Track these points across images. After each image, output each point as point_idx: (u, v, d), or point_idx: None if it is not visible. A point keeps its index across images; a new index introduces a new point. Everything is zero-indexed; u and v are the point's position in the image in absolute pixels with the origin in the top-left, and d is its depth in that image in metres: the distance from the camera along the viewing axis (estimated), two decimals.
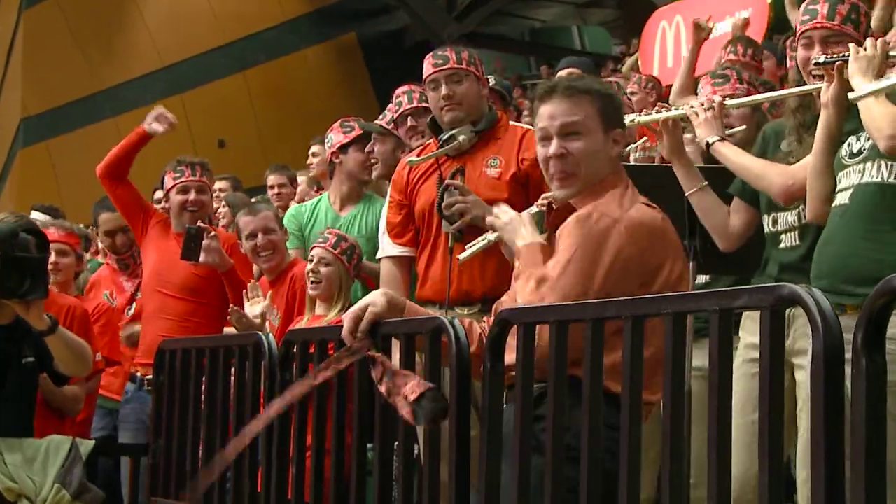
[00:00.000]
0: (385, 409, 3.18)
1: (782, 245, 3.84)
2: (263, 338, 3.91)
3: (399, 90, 5.47)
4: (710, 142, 3.87)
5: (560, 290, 3.01)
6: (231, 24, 20.28)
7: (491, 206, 4.24)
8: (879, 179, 3.32)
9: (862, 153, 3.39)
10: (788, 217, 3.82)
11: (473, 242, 4.16)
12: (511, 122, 4.88)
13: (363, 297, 5.22)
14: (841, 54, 3.46)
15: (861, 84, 3.30)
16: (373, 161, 5.58)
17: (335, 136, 5.79)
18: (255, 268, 5.75)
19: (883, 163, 3.31)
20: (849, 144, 3.44)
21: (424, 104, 5.08)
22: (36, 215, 7.34)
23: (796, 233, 3.81)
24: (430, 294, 4.63)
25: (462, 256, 4.14)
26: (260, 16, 20.59)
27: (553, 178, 3.22)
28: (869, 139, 3.36)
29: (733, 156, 3.83)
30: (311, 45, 21.08)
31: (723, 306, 2.37)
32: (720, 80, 4.55)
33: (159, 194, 6.49)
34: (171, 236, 5.72)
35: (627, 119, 4.09)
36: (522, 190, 4.47)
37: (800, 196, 3.68)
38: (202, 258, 5.38)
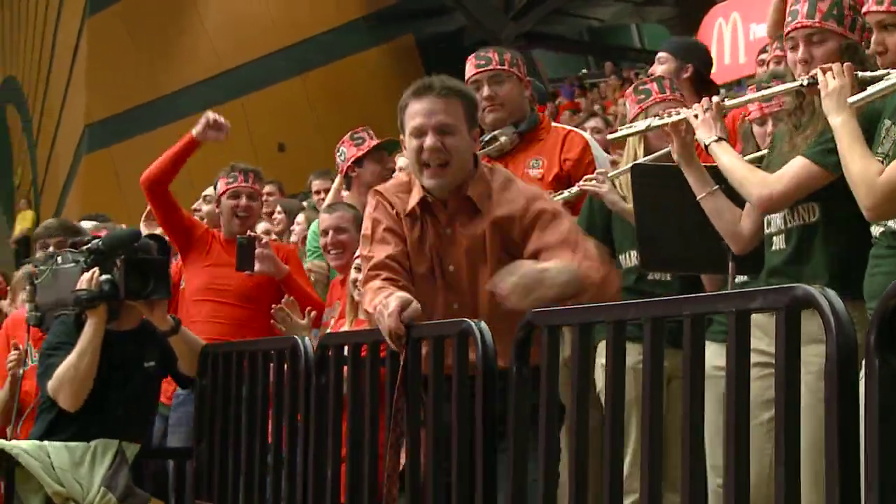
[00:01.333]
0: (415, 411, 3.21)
1: (773, 248, 3.80)
2: (300, 341, 3.94)
3: None
4: (707, 143, 3.84)
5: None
6: (289, 27, 20.40)
7: None
8: None
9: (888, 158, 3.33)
10: (777, 220, 3.79)
11: None
12: (553, 124, 4.88)
13: None
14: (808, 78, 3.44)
15: (835, 123, 3.27)
16: (387, 174, 5.63)
17: (348, 150, 5.81)
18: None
19: None
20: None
21: None
22: (85, 224, 7.43)
23: (783, 236, 3.77)
24: None
25: None
26: (317, 19, 20.69)
27: (426, 169, 3.50)
28: (892, 139, 3.30)
29: (725, 158, 3.80)
30: (368, 48, 21.14)
31: (739, 308, 2.36)
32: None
33: (204, 199, 6.55)
34: (220, 244, 5.74)
35: (643, 124, 4.07)
36: None
37: (775, 208, 3.65)
38: (257, 267, 5.42)
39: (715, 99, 3.97)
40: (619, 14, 20.62)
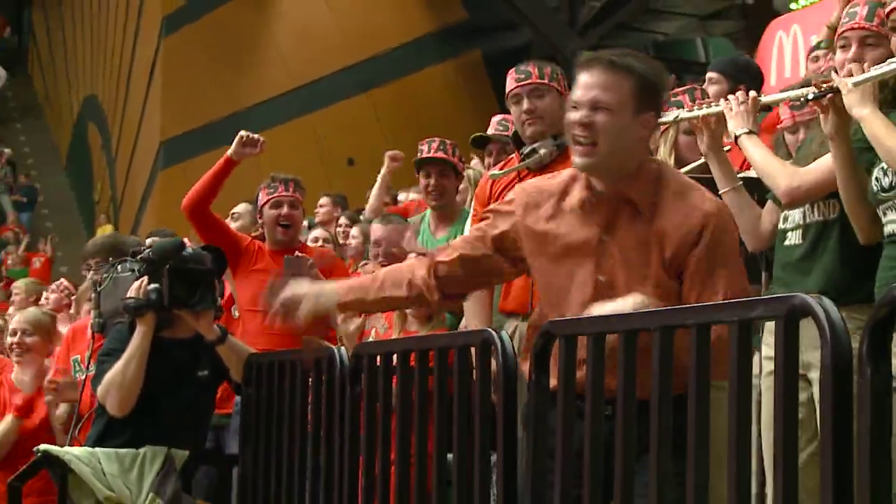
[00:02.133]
0: (462, 421, 3.23)
1: (787, 242, 3.78)
2: (336, 352, 3.98)
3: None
4: (738, 134, 3.83)
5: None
6: (358, 44, 20.50)
7: None
8: None
9: (894, 188, 3.31)
10: (796, 215, 3.76)
11: None
12: None
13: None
14: (829, 86, 3.40)
15: (861, 114, 3.25)
16: (431, 189, 5.70)
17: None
18: None
19: None
20: (877, 180, 3.36)
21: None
22: (153, 240, 7.55)
23: (800, 231, 3.75)
24: (512, 306, 4.69)
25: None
26: (386, 35, 20.77)
27: (575, 146, 3.18)
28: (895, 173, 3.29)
29: (753, 150, 3.79)
30: (435, 63, 21.18)
31: (741, 317, 2.38)
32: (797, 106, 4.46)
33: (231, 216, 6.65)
34: (266, 254, 5.81)
35: (671, 115, 4.08)
36: None
37: (802, 199, 3.63)
38: None
39: (752, 93, 3.97)
40: (684, 28, 20.48)
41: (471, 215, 4.90)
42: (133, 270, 4.70)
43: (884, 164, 3.33)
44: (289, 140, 19.29)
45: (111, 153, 23.97)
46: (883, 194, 3.32)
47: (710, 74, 5.65)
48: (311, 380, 4.16)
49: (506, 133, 5.80)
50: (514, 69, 4.70)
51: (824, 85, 3.40)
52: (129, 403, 4.50)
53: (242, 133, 5.76)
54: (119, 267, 4.82)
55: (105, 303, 4.79)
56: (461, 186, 6.09)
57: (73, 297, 7.35)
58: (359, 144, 19.92)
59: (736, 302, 2.45)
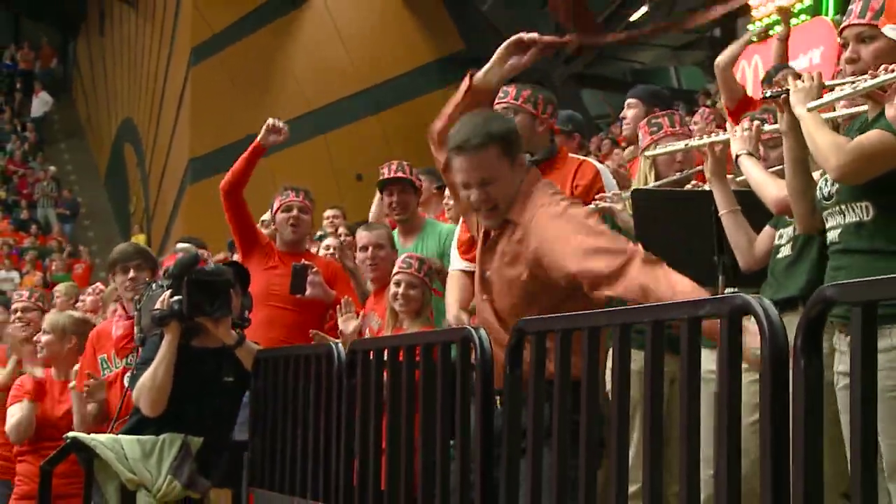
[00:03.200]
0: (464, 410, 3.21)
1: (780, 255, 3.78)
2: (334, 347, 3.97)
3: None
4: (739, 153, 3.83)
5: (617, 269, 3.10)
6: (367, 72, 20.54)
7: None
8: (857, 220, 3.20)
9: (832, 196, 3.27)
10: (788, 231, 3.77)
11: None
12: (570, 155, 4.86)
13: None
14: (783, 88, 3.37)
15: (801, 113, 3.22)
16: (393, 206, 5.74)
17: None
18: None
19: (855, 206, 3.18)
20: (820, 189, 3.33)
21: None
22: (181, 245, 7.55)
23: (790, 244, 3.76)
24: None
25: None
26: (392, 64, 20.82)
27: (481, 213, 3.47)
28: (833, 183, 3.25)
29: (749, 167, 3.79)
30: (437, 89, 21.19)
31: (690, 314, 2.36)
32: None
33: (262, 223, 6.63)
34: (275, 256, 5.81)
35: (680, 144, 4.08)
36: None
37: (788, 210, 3.62)
38: (308, 292, 5.51)
39: (756, 122, 3.98)
40: (659, 58, 20.51)
41: (461, 222, 4.88)
42: (162, 286, 4.70)
43: (827, 175, 3.31)
44: (304, 158, 19.31)
45: (145, 170, 23.99)
46: (824, 202, 3.30)
47: (629, 100, 5.76)
48: (312, 373, 4.14)
49: None
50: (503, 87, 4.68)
51: (780, 87, 3.40)
52: (161, 404, 4.49)
53: (270, 120, 5.80)
54: (153, 285, 4.82)
55: (144, 318, 4.79)
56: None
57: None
58: (367, 162, 19.92)
59: (687, 302, 2.43)
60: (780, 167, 3.98)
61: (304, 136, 20.17)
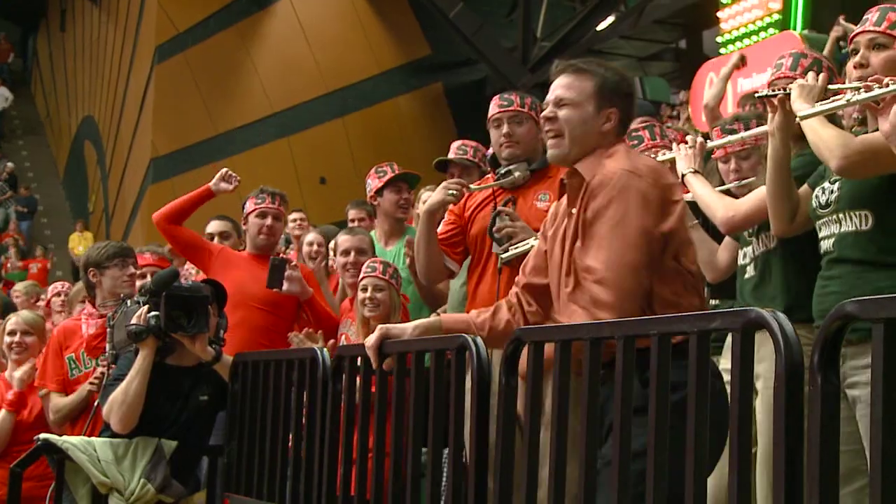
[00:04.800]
0: (437, 418, 3.17)
1: (746, 276, 3.79)
2: (318, 352, 3.91)
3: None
4: (684, 173, 3.85)
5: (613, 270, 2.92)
6: (332, 75, 20.47)
7: (537, 234, 4.26)
8: (854, 229, 3.21)
9: (830, 205, 3.28)
10: (749, 251, 3.77)
11: (516, 245, 4.17)
12: None
13: (425, 314, 5.27)
14: (783, 88, 3.37)
15: (802, 108, 3.21)
16: (403, 202, 5.65)
17: (372, 182, 5.85)
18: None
19: (853, 214, 3.20)
20: (816, 198, 3.33)
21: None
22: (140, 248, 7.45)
23: (753, 264, 3.76)
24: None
25: (504, 256, 4.18)
26: (358, 68, 20.75)
27: (546, 139, 3.24)
28: (833, 191, 3.26)
29: (697, 186, 3.81)
30: (402, 94, 21.19)
31: (700, 328, 2.33)
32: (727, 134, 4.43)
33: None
34: (242, 259, 5.73)
35: None
36: None
37: (738, 227, 3.63)
38: (285, 287, 5.41)
39: (699, 139, 3.99)
40: (625, 67, 20.57)
41: (444, 220, 4.85)
42: (139, 303, 4.62)
43: (825, 184, 3.31)
44: (267, 160, 19.19)
45: (105, 169, 23.74)
46: (821, 210, 3.30)
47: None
48: (295, 378, 4.08)
49: (465, 157, 5.73)
50: (498, 96, 4.65)
51: (779, 88, 3.39)
52: (131, 421, 4.40)
53: (224, 169, 5.76)
54: (128, 301, 4.74)
55: (117, 335, 4.70)
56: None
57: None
58: (331, 165, 19.87)
59: (696, 314, 2.40)
60: (750, 180, 3.99)
61: (267, 138, 20.07)
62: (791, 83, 3.31)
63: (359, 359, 3.63)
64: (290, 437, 4.09)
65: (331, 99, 20.49)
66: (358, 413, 3.61)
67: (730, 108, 12.54)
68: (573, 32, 19.09)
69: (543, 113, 3.24)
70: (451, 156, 5.75)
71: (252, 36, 20.63)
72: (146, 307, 4.50)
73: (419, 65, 21.17)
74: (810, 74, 3.33)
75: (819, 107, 3.10)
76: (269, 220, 5.75)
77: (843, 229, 3.21)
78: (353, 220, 7.61)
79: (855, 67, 3.26)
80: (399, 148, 18.64)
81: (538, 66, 19.36)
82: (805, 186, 3.52)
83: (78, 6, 26.00)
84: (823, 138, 3.15)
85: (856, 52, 3.28)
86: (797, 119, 3.29)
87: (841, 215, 3.22)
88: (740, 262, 3.85)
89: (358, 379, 3.63)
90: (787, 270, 3.63)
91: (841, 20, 9.79)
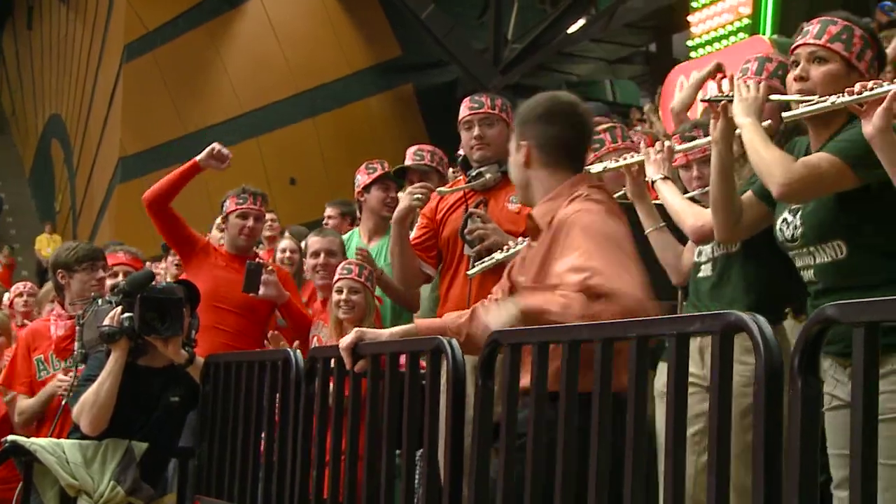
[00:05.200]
0: (411, 421, 3.15)
1: (700, 274, 3.79)
2: (292, 353, 3.88)
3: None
4: (654, 179, 3.83)
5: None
6: (303, 75, 20.41)
7: (509, 236, 4.25)
8: (831, 259, 3.15)
9: (797, 240, 3.24)
10: (707, 250, 3.77)
11: (482, 260, 4.16)
12: None
13: (393, 315, 5.24)
14: (726, 94, 3.35)
15: (742, 121, 3.20)
16: (389, 201, 5.59)
17: (360, 178, 5.79)
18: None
19: (825, 246, 3.14)
20: (781, 231, 3.29)
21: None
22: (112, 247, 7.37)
23: (710, 264, 3.76)
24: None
25: (471, 272, 4.16)
26: (329, 68, 20.71)
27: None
28: (797, 226, 3.22)
29: (667, 194, 3.80)
30: (372, 95, 21.16)
31: (679, 331, 2.32)
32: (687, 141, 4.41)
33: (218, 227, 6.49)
34: (222, 256, 5.68)
35: (599, 167, 4.04)
36: None
37: (707, 237, 3.62)
38: (261, 291, 5.36)
39: (667, 143, 3.96)
40: (595, 71, 20.64)
41: (417, 225, 4.82)
42: (111, 303, 4.57)
43: (786, 216, 3.25)
44: (237, 160, 18.93)
45: (72, 168, 23.58)
46: (788, 244, 3.27)
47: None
48: (267, 379, 4.05)
49: (423, 162, 5.66)
50: (469, 98, 4.63)
51: (723, 93, 3.38)
52: (102, 423, 4.36)
53: (216, 145, 5.56)
54: (100, 301, 4.68)
55: (87, 334, 4.65)
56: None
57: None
58: (301, 166, 19.81)
59: (676, 317, 2.39)
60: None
61: (236, 138, 19.92)
62: (824, 109, 3.19)
63: (332, 360, 3.60)
64: (263, 439, 4.06)
65: (301, 99, 20.44)
66: (331, 415, 3.58)
67: (698, 113, 12.63)
68: (544, 35, 19.14)
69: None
70: (407, 162, 5.69)
71: (222, 35, 20.55)
72: (119, 308, 4.45)
73: (390, 66, 21.15)
74: (751, 83, 3.30)
75: (804, 108, 3.09)
76: (250, 222, 5.69)
77: (818, 261, 3.16)
78: (327, 218, 7.58)
79: (795, 80, 3.23)
80: (370, 149, 18.50)
81: (509, 67, 19.40)
82: (748, 193, 3.50)
83: (45, 4, 25.83)
84: (766, 160, 3.11)
85: (796, 63, 3.26)
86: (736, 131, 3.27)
87: (812, 248, 3.16)
88: (695, 259, 3.84)
89: (331, 381, 3.61)
90: (748, 273, 3.63)
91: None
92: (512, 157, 3.26)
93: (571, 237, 2.95)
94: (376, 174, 5.72)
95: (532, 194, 3.22)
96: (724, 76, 7.02)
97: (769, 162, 3.11)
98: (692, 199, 4.00)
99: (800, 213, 3.20)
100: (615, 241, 2.96)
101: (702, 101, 3.52)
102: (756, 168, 3.20)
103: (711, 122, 3.39)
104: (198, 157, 5.50)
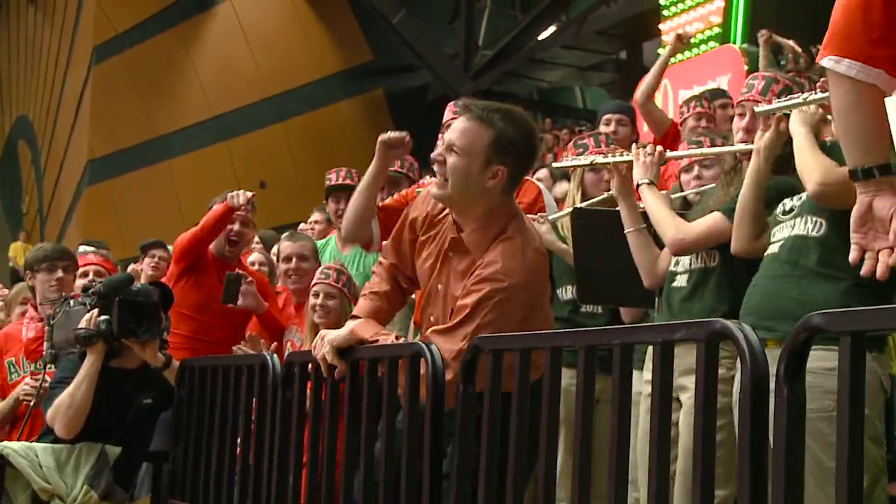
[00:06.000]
0: (390, 426, 3.14)
1: (675, 284, 3.82)
2: (269, 358, 3.86)
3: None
4: (640, 182, 3.85)
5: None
6: (273, 79, 20.35)
7: None
8: (805, 233, 3.27)
9: (793, 210, 3.35)
10: (685, 261, 3.80)
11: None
12: None
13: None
14: (783, 110, 3.42)
15: (797, 131, 3.28)
16: (340, 213, 5.59)
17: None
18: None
19: (809, 218, 3.28)
20: (783, 204, 3.40)
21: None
22: (83, 248, 7.30)
23: (686, 275, 3.79)
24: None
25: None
26: (299, 72, 20.65)
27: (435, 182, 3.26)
28: (800, 199, 3.33)
29: (651, 200, 3.83)
30: (343, 99, 21.11)
31: (664, 338, 2.32)
32: (694, 146, 4.45)
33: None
34: (211, 263, 5.62)
35: (588, 159, 4.06)
36: None
37: (686, 250, 3.67)
38: (240, 302, 5.32)
39: (658, 148, 3.98)
40: (565, 77, 20.67)
41: (392, 198, 4.82)
42: (84, 304, 4.53)
43: (795, 194, 3.37)
44: (206, 164, 19.02)
45: (40, 169, 23.38)
46: (782, 216, 3.36)
47: (621, 117, 5.79)
48: (243, 383, 4.02)
49: (392, 169, 5.64)
50: (452, 102, 4.63)
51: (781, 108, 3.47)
52: (77, 426, 4.31)
53: (236, 194, 5.40)
54: (72, 302, 4.64)
55: (58, 334, 4.60)
56: None
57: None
58: (271, 169, 19.73)
59: (660, 325, 2.40)
60: (710, 186, 4.02)
61: (206, 141, 19.89)
62: (797, 106, 3.35)
63: (309, 365, 3.59)
64: (238, 443, 4.03)
65: (271, 103, 20.37)
66: (308, 420, 3.56)
67: (670, 113, 12.68)
68: (515, 41, 19.17)
69: (434, 153, 3.20)
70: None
71: (192, 38, 20.46)
72: (96, 311, 4.41)
73: (360, 70, 21.11)
74: (812, 105, 3.38)
75: (776, 103, 3.20)
76: (237, 226, 5.59)
77: (793, 232, 3.27)
78: (314, 223, 7.55)
79: (743, 130, 3.48)
80: (340, 153, 18.52)
81: (480, 73, 19.41)
82: (717, 213, 3.63)
83: (13, 5, 25.58)
84: (810, 161, 3.24)
85: (742, 115, 3.45)
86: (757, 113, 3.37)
87: (798, 220, 3.28)
88: (671, 267, 3.86)
89: (308, 385, 3.59)
90: (721, 292, 3.68)
91: (766, 35, 9.70)
92: (475, 170, 3.15)
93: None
94: (329, 184, 5.77)
95: (470, 210, 3.20)
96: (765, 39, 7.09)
97: (813, 164, 3.22)
98: (684, 199, 4.03)
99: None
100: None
101: (757, 113, 3.54)
102: (799, 169, 3.29)
103: (759, 132, 3.47)
104: (227, 200, 5.37)
